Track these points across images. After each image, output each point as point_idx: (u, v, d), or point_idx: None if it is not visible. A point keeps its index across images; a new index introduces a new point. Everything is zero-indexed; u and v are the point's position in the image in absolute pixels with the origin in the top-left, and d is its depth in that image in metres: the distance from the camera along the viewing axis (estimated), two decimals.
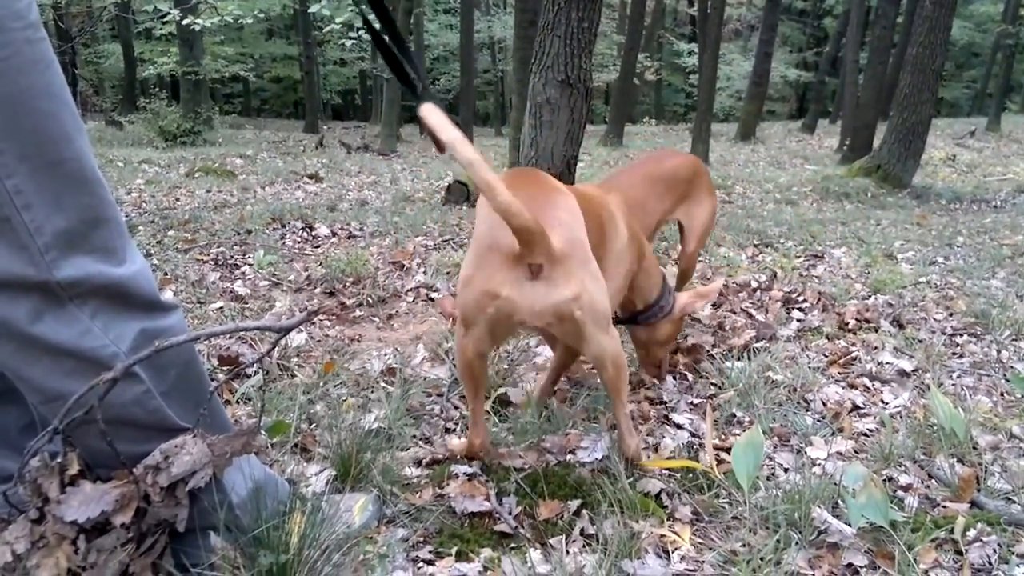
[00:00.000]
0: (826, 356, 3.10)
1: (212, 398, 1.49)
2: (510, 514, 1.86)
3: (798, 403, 2.61)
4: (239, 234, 5.29)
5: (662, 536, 1.78)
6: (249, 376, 2.59)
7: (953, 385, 2.87)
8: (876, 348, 3.24)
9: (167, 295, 3.74)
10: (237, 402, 2.43)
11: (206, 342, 2.81)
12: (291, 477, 1.83)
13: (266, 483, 1.60)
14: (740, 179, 11.11)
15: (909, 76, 10.37)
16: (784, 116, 35.36)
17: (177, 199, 7.54)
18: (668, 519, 1.87)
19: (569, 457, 2.14)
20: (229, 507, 1.49)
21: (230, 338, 2.87)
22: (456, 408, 2.45)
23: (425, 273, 4.24)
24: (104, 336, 1.28)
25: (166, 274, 4.03)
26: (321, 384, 2.57)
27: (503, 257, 1.76)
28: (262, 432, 2.08)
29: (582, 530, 1.80)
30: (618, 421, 2.05)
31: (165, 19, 11.82)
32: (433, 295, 3.90)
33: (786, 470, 2.16)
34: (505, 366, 2.82)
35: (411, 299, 3.84)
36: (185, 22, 11.39)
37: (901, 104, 10.45)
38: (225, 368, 2.63)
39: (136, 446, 1.34)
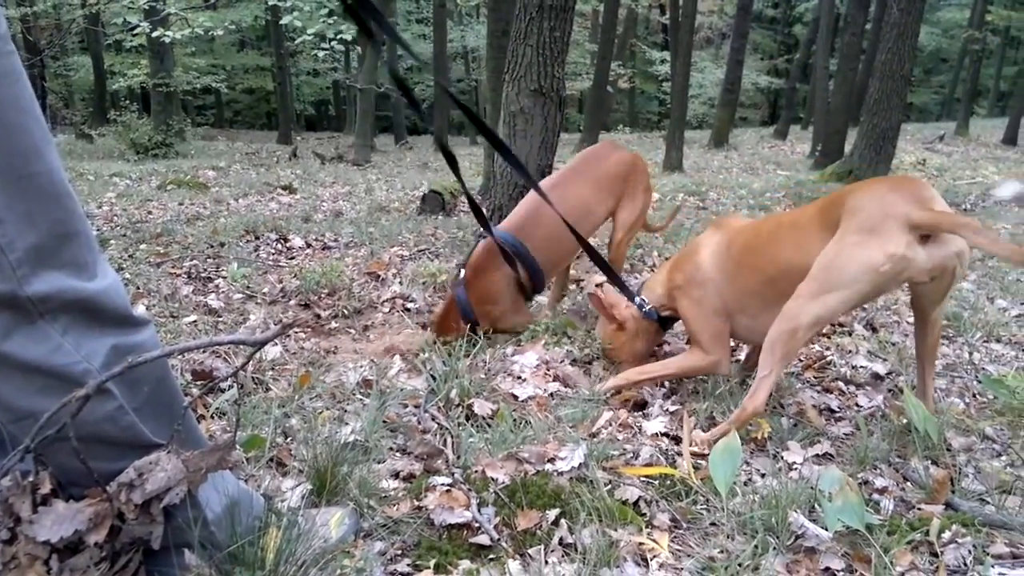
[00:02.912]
0: (801, 360, 3.13)
1: (186, 413, 1.48)
2: (489, 524, 1.85)
3: (775, 408, 2.63)
4: (212, 247, 5.25)
5: (640, 544, 1.78)
6: (223, 390, 2.57)
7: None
8: (850, 352, 3.27)
9: (140, 310, 3.71)
10: (211, 417, 2.41)
11: (179, 357, 2.79)
12: (266, 492, 1.82)
13: (241, 499, 1.59)
14: (714, 185, 11.18)
15: (878, 82, 10.52)
16: (756, 122, 35.69)
17: (149, 212, 7.47)
18: (646, 526, 1.87)
19: (547, 466, 2.14)
20: (204, 524, 1.48)
21: (204, 352, 2.85)
22: (434, 419, 2.45)
23: (401, 283, 4.24)
24: (75, 352, 1.27)
25: (138, 288, 3.99)
26: (296, 397, 2.55)
27: (899, 225, 2.07)
28: (237, 447, 2.06)
29: (561, 539, 1.80)
30: (925, 380, 2.44)
31: (135, 31, 11.72)
32: (409, 305, 3.90)
33: (763, 475, 2.17)
34: (482, 376, 2.81)
35: (387, 310, 3.83)
36: (155, 34, 11.32)
37: (871, 109, 10.59)
38: (199, 383, 2.61)
39: (109, 463, 1.33)
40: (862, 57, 18.32)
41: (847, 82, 15.84)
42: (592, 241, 3.48)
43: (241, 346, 2.72)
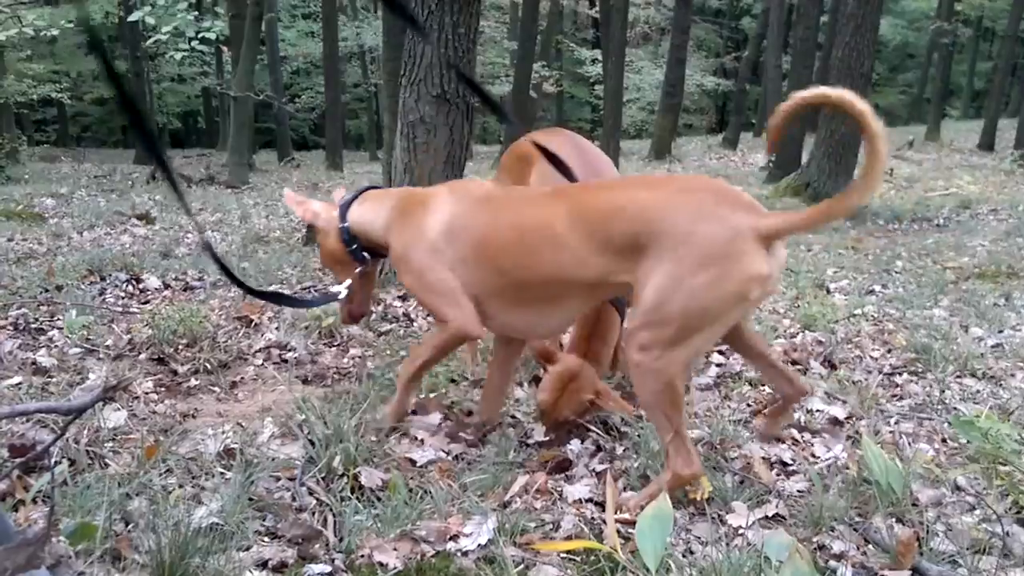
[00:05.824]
0: (749, 406, 3.18)
1: None
2: None
3: (717, 463, 2.66)
4: (46, 291, 5.09)
5: None
6: (49, 468, 2.46)
7: (891, 432, 2.98)
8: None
9: None
10: (33, 501, 2.31)
11: None
12: None
13: None
14: None
15: (835, 81, 10.86)
16: (703, 130, 36.60)
17: None
18: None
19: (449, 545, 2.11)
20: None
21: (26, 422, 2.74)
22: (311, 493, 2.39)
23: (278, 329, 4.16)
24: None
25: None
26: (142, 473, 2.47)
27: (752, 243, 2.13)
28: (60, 539, 1.98)
29: None
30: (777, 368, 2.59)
31: None
32: (288, 356, 3.83)
33: (704, 543, 2.19)
34: (373, 438, 2.77)
35: (260, 362, 3.76)
36: None
37: (829, 114, 10.95)
38: (16, 460, 2.50)
39: None
40: (818, 54, 19.00)
41: (802, 82, 16.36)
42: None
43: (67, 415, 2.63)
